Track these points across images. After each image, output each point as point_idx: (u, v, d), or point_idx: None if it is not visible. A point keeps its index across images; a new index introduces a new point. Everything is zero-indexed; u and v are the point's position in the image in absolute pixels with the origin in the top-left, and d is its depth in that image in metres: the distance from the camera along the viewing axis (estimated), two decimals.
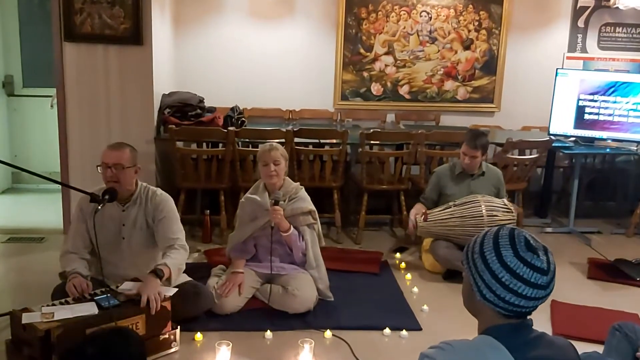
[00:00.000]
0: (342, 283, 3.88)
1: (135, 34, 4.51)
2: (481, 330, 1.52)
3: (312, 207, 3.63)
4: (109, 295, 2.90)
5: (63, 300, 2.87)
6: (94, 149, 4.58)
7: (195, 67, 5.81)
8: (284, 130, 4.74)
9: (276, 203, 3.45)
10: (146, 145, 4.64)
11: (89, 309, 2.77)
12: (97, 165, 3.16)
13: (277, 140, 4.62)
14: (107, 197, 3.05)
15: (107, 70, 4.59)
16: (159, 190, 3.31)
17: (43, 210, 5.38)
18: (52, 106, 5.28)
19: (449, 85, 6.16)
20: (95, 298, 2.86)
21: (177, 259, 3.12)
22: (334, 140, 4.89)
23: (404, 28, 6.00)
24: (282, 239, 3.53)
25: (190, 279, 3.38)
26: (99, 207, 3.02)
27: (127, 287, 3.01)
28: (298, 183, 3.72)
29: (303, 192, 3.66)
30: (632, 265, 4.35)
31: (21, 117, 6.19)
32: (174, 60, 5.63)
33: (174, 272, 3.07)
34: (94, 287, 3.02)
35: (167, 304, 2.95)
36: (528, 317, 1.50)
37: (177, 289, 3.07)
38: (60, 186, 4.62)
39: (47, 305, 2.79)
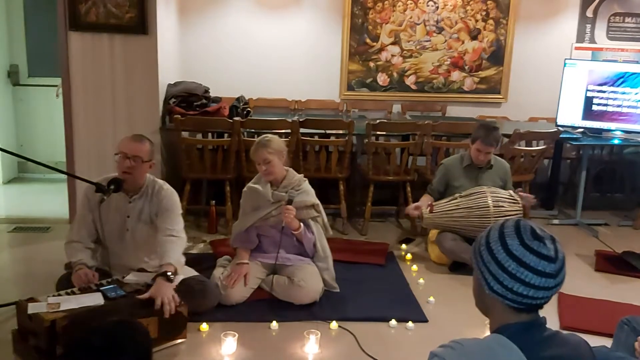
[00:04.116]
0: (348, 274, 3.88)
1: (140, 23, 4.49)
2: (493, 329, 1.49)
3: (316, 200, 3.61)
4: (115, 285, 2.90)
5: (69, 291, 2.87)
6: (100, 139, 4.59)
7: (200, 57, 5.79)
8: (290, 120, 4.71)
9: (289, 202, 3.43)
10: (151, 135, 4.57)
11: (95, 299, 2.77)
12: (115, 154, 3.14)
13: (283, 131, 4.62)
14: (112, 187, 3.04)
15: (113, 59, 4.57)
16: (166, 185, 3.29)
17: (49, 200, 5.39)
18: (57, 96, 5.27)
19: (456, 75, 6.11)
20: (102, 289, 2.86)
21: (177, 253, 3.09)
22: (340, 131, 4.87)
23: (411, 18, 5.95)
24: (290, 232, 3.53)
25: (196, 273, 3.36)
26: (105, 197, 3.01)
27: (133, 278, 3.01)
28: (302, 175, 3.69)
29: (307, 185, 3.63)
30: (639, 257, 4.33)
31: (27, 106, 6.19)
32: (180, 50, 5.61)
33: (179, 268, 3.06)
34: (100, 277, 3.02)
35: (184, 310, 2.93)
36: (541, 315, 1.47)
37: (182, 276, 3.08)
38: (66, 176, 4.62)
39: (53, 296, 2.80)
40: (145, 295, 2.83)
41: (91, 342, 1.49)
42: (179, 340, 2.97)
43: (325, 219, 3.69)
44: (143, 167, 3.15)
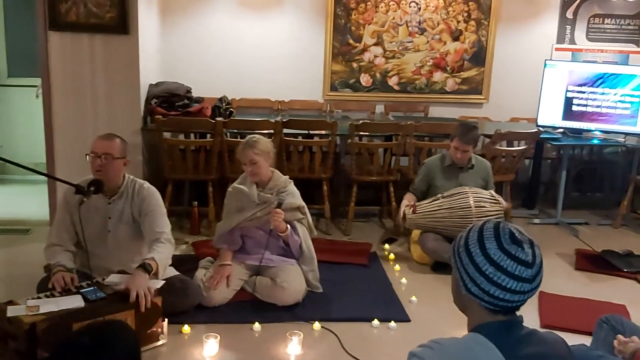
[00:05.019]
0: (331, 274, 3.88)
1: (121, 23, 4.45)
2: (471, 328, 1.50)
3: (302, 202, 3.60)
4: (95, 288, 2.88)
5: (49, 293, 2.83)
6: (80, 140, 4.54)
7: (182, 57, 5.75)
8: (273, 121, 4.71)
9: (279, 205, 3.42)
10: (133, 136, 4.59)
11: (75, 302, 2.74)
12: (86, 154, 3.12)
13: (266, 131, 4.61)
14: (92, 188, 3.01)
15: (93, 60, 4.53)
16: (146, 184, 3.27)
17: (29, 202, 5.32)
18: (37, 96, 5.21)
19: (438, 76, 6.15)
20: (82, 291, 2.83)
21: (164, 253, 3.09)
22: (324, 132, 4.87)
23: (393, 19, 5.97)
24: (277, 234, 3.52)
25: (177, 273, 3.35)
26: (85, 199, 2.98)
27: (113, 279, 2.98)
28: (287, 176, 3.68)
29: (292, 187, 3.62)
30: (619, 256, 4.39)
31: (6, 107, 6.12)
32: (161, 49, 5.57)
33: (161, 267, 3.03)
34: (80, 279, 2.99)
35: (158, 301, 2.91)
36: (517, 313, 1.48)
37: (164, 282, 3.05)
38: (46, 177, 4.56)
39: (33, 298, 2.76)
40: (121, 287, 2.83)
41: (80, 342, 1.48)
42: (160, 342, 2.96)
43: (310, 221, 3.69)
44: (115, 165, 3.12)
